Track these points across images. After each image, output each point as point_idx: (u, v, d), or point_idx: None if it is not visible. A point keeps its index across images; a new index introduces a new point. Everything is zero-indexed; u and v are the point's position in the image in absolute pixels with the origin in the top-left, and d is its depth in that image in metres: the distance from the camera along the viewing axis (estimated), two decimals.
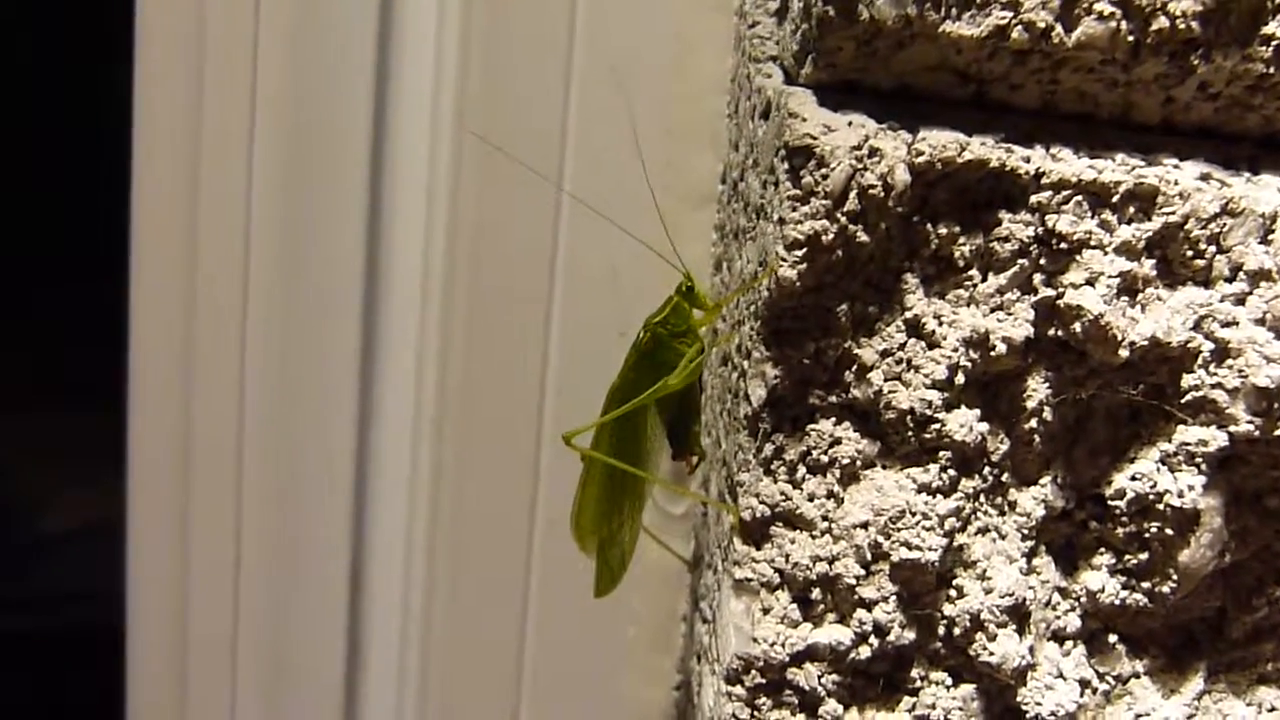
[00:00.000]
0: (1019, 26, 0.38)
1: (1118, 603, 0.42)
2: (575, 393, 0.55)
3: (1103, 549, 0.43)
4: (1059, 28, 0.38)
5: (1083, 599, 0.43)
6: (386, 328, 0.59)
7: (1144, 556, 0.42)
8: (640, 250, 0.45)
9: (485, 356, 0.57)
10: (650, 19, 0.53)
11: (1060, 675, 0.43)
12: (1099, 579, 0.43)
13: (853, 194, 0.38)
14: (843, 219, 0.38)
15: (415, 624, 0.59)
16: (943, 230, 0.39)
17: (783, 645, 0.41)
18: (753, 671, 0.41)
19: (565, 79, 0.54)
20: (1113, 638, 0.43)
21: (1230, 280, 0.40)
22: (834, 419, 0.40)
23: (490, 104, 0.55)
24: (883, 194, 0.38)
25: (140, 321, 0.63)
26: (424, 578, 0.59)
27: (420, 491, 0.60)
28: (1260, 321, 0.40)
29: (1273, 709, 0.44)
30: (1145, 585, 0.42)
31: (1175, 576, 0.42)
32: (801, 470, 0.41)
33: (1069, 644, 0.43)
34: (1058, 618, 0.43)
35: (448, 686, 0.60)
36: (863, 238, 0.38)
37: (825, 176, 0.38)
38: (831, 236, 0.38)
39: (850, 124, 0.38)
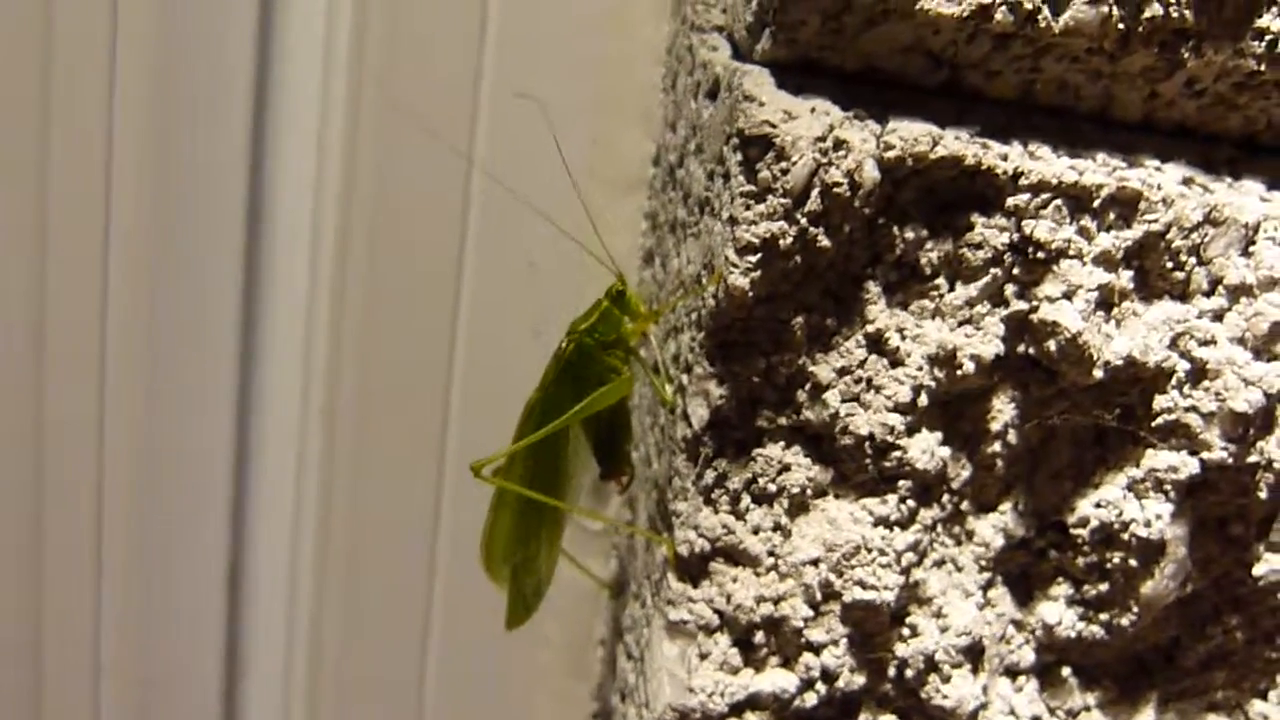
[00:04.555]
0: (1003, 7, 0.34)
1: (1074, 635, 0.40)
2: (484, 399, 0.49)
3: (1061, 579, 0.40)
4: (1046, 11, 0.34)
5: (1038, 632, 0.40)
6: (267, 323, 0.51)
7: (1104, 587, 0.39)
8: (561, 239, 0.40)
9: (382, 356, 0.50)
10: None
11: (1012, 713, 0.40)
12: (1056, 611, 0.40)
13: (815, 192, 0.33)
14: (803, 220, 0.33)
15: (300, 648, 0.53)
16: (910, 234, 0.35)
17: (721, 695, 0.36)
18: None
19: (480, 35, 0.47)
20: (1066, 670, 0.41)
21: (1209, 295, 0.37)
22: (783, 443, 0.36)
23: (392, 58, 0.48)
24: (849, 192, 0.33)
25: None
26: (310, 595, 0.53)
27: (307, 496, 0.53)
28: (1239, 340, 0.37)
29: None
30: (1104, 616, 0.40)
31: (1136, 608, 0.39)
32: (746, 500, 0.36)
33: (1021, 679, 0.40)
34: (1011, 652, 0.40)
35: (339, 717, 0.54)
36: (824, 242, 0.34)
37: (785, 171, 0.33)
38: (790, 240, 0.33)
39: (814, 111, 0.33)
